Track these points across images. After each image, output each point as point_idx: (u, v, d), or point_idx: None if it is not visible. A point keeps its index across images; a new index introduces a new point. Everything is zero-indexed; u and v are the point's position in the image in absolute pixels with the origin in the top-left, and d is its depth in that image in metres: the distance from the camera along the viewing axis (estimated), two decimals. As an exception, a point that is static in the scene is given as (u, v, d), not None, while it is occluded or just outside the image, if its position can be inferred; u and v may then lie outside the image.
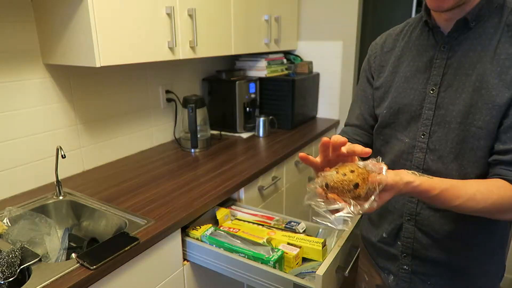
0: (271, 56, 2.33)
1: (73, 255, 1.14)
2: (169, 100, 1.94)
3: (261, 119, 2.11)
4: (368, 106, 0.99)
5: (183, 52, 1.54)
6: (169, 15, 1.44)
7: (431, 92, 0.83)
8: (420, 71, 0.86)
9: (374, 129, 0.98)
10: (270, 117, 2.16)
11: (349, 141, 0.99)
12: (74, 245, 1.22)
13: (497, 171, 0.75)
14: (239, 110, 2.10)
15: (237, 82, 2.05)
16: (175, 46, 1.48)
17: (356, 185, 0.62)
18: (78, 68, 1.48)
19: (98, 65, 1.21)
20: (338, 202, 0.63)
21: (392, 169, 0.81)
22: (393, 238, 0.95)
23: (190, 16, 1.54)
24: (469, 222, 0.84)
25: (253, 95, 2.19)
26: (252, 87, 2.17)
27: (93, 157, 1.61)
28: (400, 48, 0.92)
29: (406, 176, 0.67)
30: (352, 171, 0.64)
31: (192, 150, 1.82)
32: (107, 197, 1.31)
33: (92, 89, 1.57)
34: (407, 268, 0.94)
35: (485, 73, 0.76)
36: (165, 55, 1.46)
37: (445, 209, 0.83)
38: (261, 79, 2.27)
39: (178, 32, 1.50)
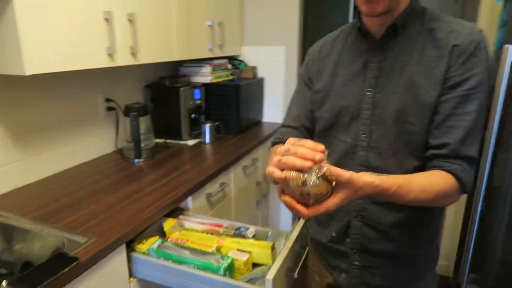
0: (215, 61, 2.32)
1: (4, 282, 1.04)
2: (109, 108, 1.85)
3: (207, 125, 2.09)
4: (306, 109, 1.03)
5: (123, 59, 1.48)
6: (107, 20, 1.37)
7: (368, 93, 0.88)
8: (356, 74, 0.91)
9: (317, 132, 1.01)
10: (216, 123, 2.15)
11: (283, 142, 1.03)
12: (5, 271, 1.11)
13: (435, 163, 0.82)
14: (184, 117, 2.06)
15: (181, 89, 2.01)
16: (114, 52, 1.42)
17: (304, 182, 0.65)
18: (4, 76, 1.36)
19: (27, 74, 1.12)
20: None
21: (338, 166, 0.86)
22: (342, 236, 0.99)
23: (130, 21, 1.49)
24: (410, 212, 0.90)
25: (198, 101, 2.16)
26: (197, 93, 2.15)
27: (25, 173, 1.49)
28: (336, 53, 0.96)
29: (366, 176, 0.70)
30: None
31: (136, 160, 1.75)
32: (42, 216, 1.22)
33: (22, 99, 1.45)
34: (357, 263, 0.98)
35: (413, 75, 0.82)
36: (103, 62, 1.39)
37: (388, 202, 0.89)
38: (206, 85, 2.25)
39: (117, 38, 1.44)
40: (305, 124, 1.03)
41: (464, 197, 1.89)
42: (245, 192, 2.05)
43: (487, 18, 2.07)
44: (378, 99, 0.87)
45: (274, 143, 1.07)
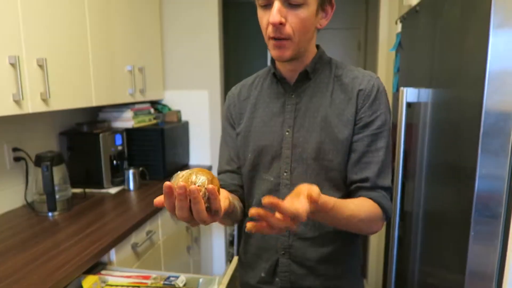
0: (137, 106, 2.28)
1: None
2: (17, 159, 1.69)
3: (130, 171, 2.00)
4: (237, 150, 1.04)
5: (33, 105, 1.39)
6: (13, 65, 1.29)
7: (287, 133, 0.93)
8: (275, 115, 0.96)
9: (244, 174, 1.02)
10: (140, 168, 2.07)
11: (226, 187, 1.01)
12: None
13: (360, 194, 0.89)
14: (105, 164, 1.95)
15: (100, 135, 1.92)
16: (22, 99, 1.32)
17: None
18: None
19: None
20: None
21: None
22: (271, 276, 0.98)
23: (41, 66, 1.41)
24: (334, 245, 0.94)
25: (120, 147, 2.08)
26: (119, 139, 2.07)
27: None
28: (254, 96, 1.01)
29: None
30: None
31: (50, 214, 1.60)
32: None
33: None
34: None
35: (327, 115, 0.90)
36: (9, 109, 1.28)
37: (313, 237, 0.93)
38: (128, 130, 2.18)
39: (26, 84, 1.34)
40: (239, 165, 1.04)
41: (384, 227, 2.04)
42: (174, 239, 1.97)
43: (385, 65, 2.37)
44: (296, 138, 0.92)
45: None
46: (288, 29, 0.82)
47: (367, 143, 0.89)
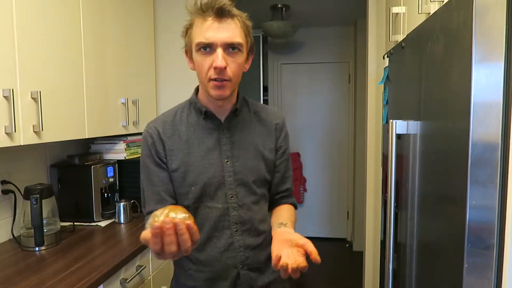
0: (130, 137, 2.28)
1: None
2: (5, 192, 1.66)
3: (121, 204, 1.97)
4: (167, 188, 1.07)
5: (25, 138, 1.38)
6: (7, 98, 1.29)
7: (227, 163, 1.07)
8: (211, 149, 1.07)
9: (186, 206, 1.05)
10: (132, 201, 2.04)
11: None
12: None
13: (283, 201, 1.21)
14: (96, 196, 1.93)
15: (92, 167, 1.91)
16: (14, 131, 1.32)
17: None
18: None
19: None
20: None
21: (214, 232, 1.07)
22: None
23: (34, 99, 1.42)
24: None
25: (111, 179, 2.06)
26: (110, 171, 2.05)
27: None
28: (183, 132, 1.08)
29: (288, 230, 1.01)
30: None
31: (37, 249, 1.55)
32: None
33: None
34: None
35: (257, 145, 1.11)
36: (0, 142, 1.28)
37: (260, 267, 1.11)
38: (120, 162, 2.17)
39: (19, 116, 1.35)
40: (172, 203, 1.07)
41: (378, 260, 2.01)
42: (164, 274, 1.92)
43: (374, 97, 2.42)
44: (237, 166, 1.07)
45: None
46: (229, 72, 0.98)
47: (285, 165, 1.19)
